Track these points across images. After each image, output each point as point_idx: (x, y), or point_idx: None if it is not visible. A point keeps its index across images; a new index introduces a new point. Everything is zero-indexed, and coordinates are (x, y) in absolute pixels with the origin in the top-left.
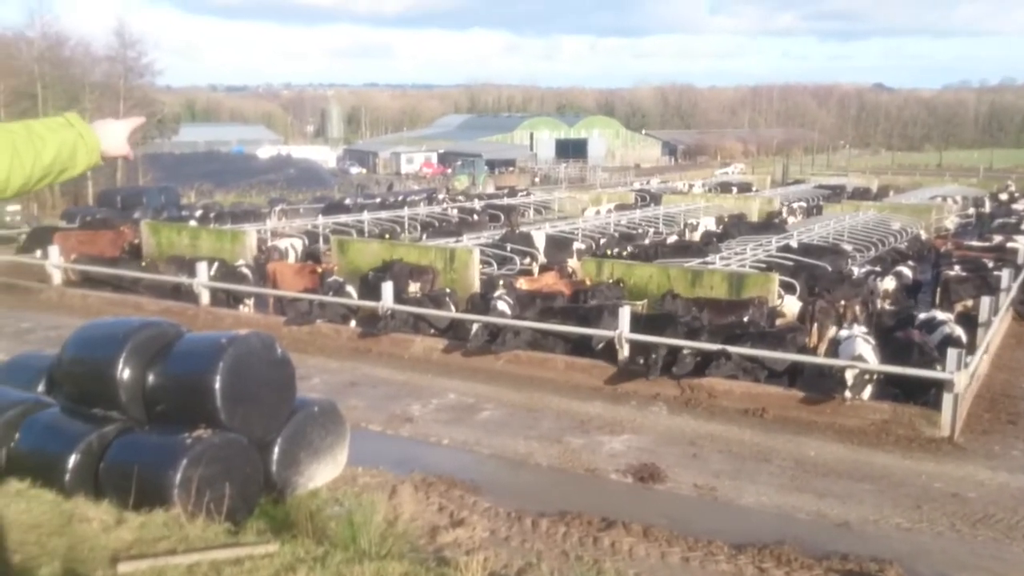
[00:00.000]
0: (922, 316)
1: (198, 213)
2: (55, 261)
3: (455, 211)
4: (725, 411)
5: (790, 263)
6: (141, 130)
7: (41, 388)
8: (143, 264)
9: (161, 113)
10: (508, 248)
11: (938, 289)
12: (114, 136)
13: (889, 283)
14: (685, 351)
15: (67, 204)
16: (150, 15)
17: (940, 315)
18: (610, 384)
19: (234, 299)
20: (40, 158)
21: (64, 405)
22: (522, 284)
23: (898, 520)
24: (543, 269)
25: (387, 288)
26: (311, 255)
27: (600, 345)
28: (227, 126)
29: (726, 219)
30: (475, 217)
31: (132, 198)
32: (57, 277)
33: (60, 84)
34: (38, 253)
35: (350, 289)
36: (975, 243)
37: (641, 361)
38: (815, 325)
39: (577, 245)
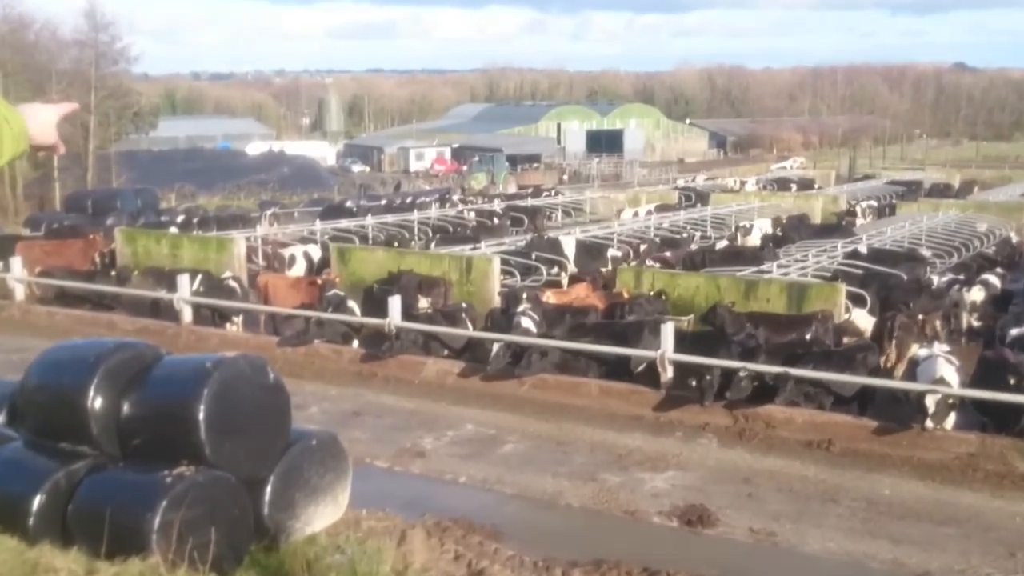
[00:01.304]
0: (1014, 332)
1: (179, 218)
2: (17, 274)
3: (471, 214)
4: (785, 443)
5: (859, 272)
6: (72, 117)
7: (1, 419)
8: (115, 276)
9: (137, 105)
10: (533, 256)
11: None
12: (43, 123)
13: (976, 294)
14: (741, 374)
15: (31, 210)
16: None
17: None
18: (652, 412)
19: (220, 316)
20: None
21: (28, 439)
22: (549, 297)
23: (988, 570)
24: (573, 280)
25: (394, 303)
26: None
27: (640, 368)
28: (212, 119)
29: (784, 221)
30: (495, 221)
31: (105, 202)
32: (20, 292)
33: (24, 72)
34: None
35: (352, 304)
36: None
37: (693, 384)
38: (894, 343)
39: (612, 252)
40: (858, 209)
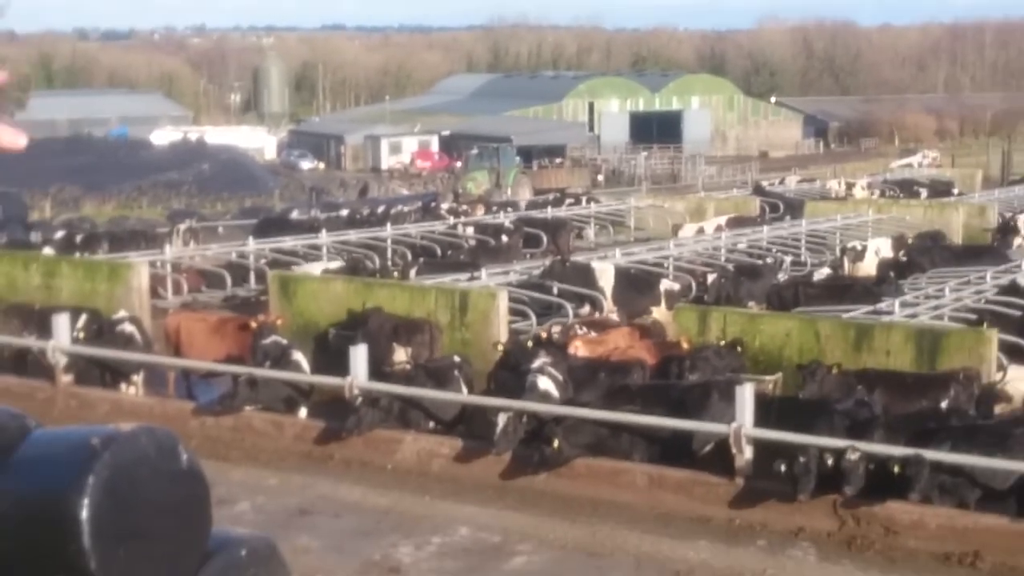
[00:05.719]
0: None
1: (57, 234)
2: None
3: (468, 230)
4: (913, 556)
5: (1018, 313)
6: None
7: None
8: None
9: None
10: (555, 290)
11: None
12: None
13: None
14: (851, 456)
15: None
16: None
17: None
18: (723, 511)
19: (112, 373)
20: None
21: None
22: (578, 348)
23: None
24: (612, 324)
25: (358, 356)
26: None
27: (706, 448)
28: (104, 94)
29: (911, 241)
30: (501, 240)
31: None
32: None
33: None
34: None
35: (299, 357)
36: None
37: (783, 469)
38: None
39: (667, 284)
40: (1020, 224)
